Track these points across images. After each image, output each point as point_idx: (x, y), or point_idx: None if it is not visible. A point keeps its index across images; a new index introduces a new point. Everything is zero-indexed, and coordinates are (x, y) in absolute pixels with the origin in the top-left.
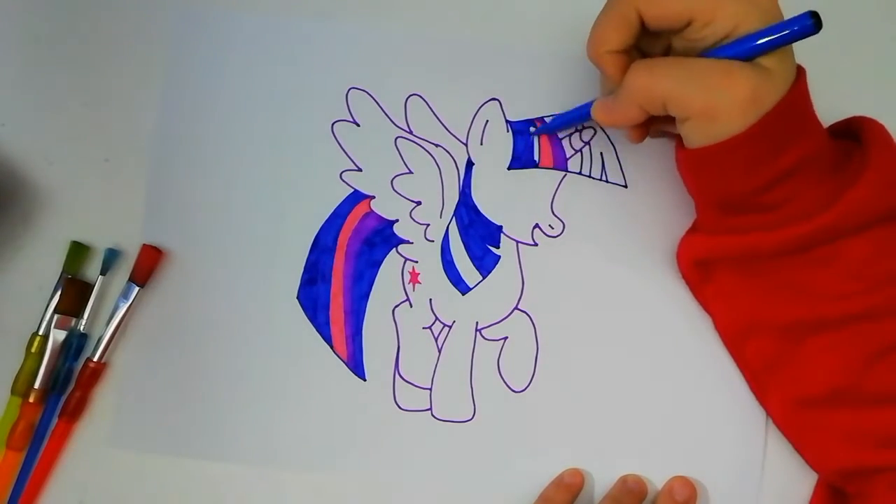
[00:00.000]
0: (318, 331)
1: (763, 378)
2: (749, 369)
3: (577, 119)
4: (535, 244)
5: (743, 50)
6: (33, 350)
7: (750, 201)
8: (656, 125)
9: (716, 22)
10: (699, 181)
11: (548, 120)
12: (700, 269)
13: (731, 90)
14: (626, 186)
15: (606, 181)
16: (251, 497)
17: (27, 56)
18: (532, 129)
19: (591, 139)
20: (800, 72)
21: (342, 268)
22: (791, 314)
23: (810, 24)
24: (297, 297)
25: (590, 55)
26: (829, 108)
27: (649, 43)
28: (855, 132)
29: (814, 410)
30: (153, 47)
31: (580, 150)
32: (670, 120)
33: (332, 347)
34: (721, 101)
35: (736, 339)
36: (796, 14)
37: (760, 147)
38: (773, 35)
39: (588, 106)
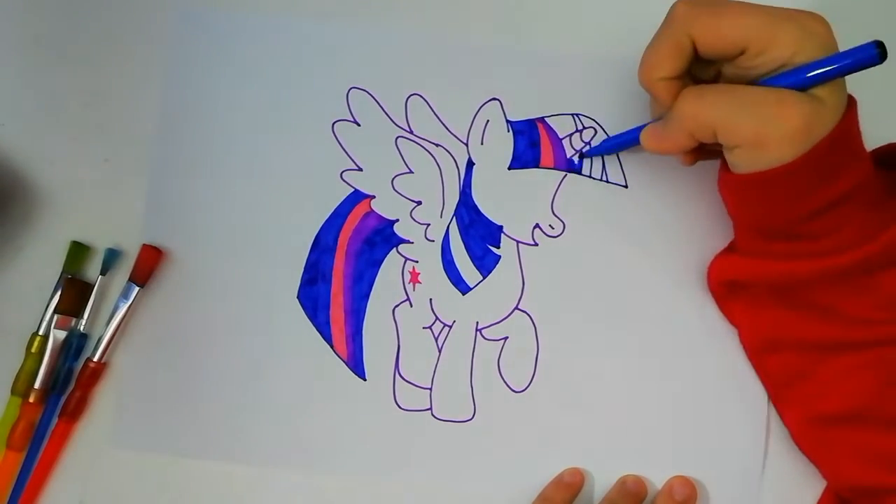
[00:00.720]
0: (318, 330)
1: (783, 391)
2: (770, 381)
3: (626, 143)
4: (536, 244)
5: (799, 80)
6: (33, 350)
7: (793, 229)
8: (707, 150)
9: (770, 51)
10: (742, 206)
11: (591, 142)
12: (728, 285)
13: (783, 120)
14: (626, 187)
15: (607, 181)
16: (251, 497)
17: (27, 56)
18: (581, 152)
19: (592, 139)
20: (851, 102)
21: (342, 267)
22: (817, 334)
23: (874, 54)
24: (298, 297)
25: (641, 81)
26: (874, 133)
27: (700, 68)
28: None
29: (831, 428)
30: (153, 47)
31: (581, 151)
32: (720, 145)
33: (332, 347)
34: (772, 131)
35: (759, 352)
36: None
37: (808, 177)
38: (832, 65)
39: (637, 131)
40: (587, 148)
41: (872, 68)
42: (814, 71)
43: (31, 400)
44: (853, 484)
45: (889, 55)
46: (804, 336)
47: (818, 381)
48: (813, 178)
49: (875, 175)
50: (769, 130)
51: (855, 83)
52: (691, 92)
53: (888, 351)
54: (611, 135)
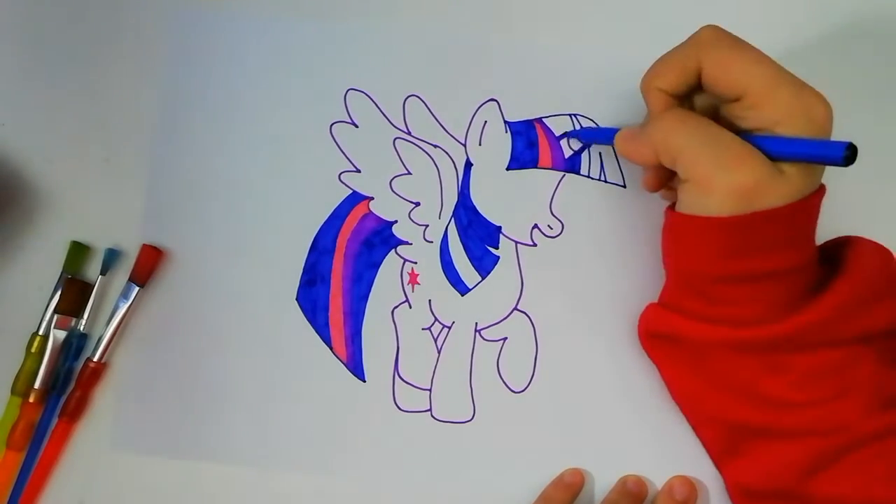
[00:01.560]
0: (317, 332)
1: (717, 461)
2: (706, 449)
3: (603, 138)
4: (534, 244)
5: (764, 147)
6: (33, 350)
7: (710, 288)
8: (671, 185)
9: (763, 109)
10: (673, 247)
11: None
12: (655, 341)
13: (736, 173)
14: (624, 186)
15: (605, 181)
16: (251, 498)
17: (27, 56)
18: (567, 133)
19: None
20: (818, 190)
21: (341, 269)
22: (739, 415)
23: (841, 156)
24: (297, 299)
25: (641, 85)
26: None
27: (701, 99)
28: (841, 254)
29: (760, 501)
30: (153, 47)
31: (579, 151)
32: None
33: (331, 349)
34: (721, 178)
35: (690, 420)
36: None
37: (739, 239)
38: (797, 148)
39: (613, 131)
40: (580, 144)
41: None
42: (779, 145)
43: (31, 400)
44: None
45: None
46: (728, 415)
47: (744, 460)
48: (742, 243)
49: (813, 267)
50: (719, 177)
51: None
52: (676, 112)
53: (810, 440)
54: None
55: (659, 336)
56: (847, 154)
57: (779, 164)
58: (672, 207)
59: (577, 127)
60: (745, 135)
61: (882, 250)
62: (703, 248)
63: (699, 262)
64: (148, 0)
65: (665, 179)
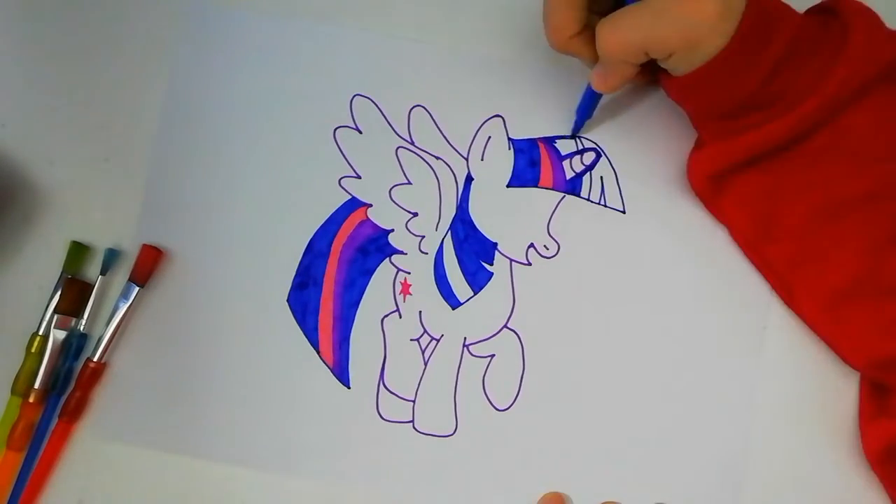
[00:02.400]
0: (305, 335)
1: (788, 279)
2: (773, 273)
3: (591, 101)
4: (529, 263)
5: None
6: (33, 350)
7: (748, 103)
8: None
9: None
10: (695, 101)
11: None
12: (713, 182)
13: (702, 14)
14: (623, 212)
15: (605, 206)
16: (250, 497)
17: (27, 56)
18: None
19: (593, 162)
20: None
21: (334, 274)
22: (804, 208)
23: None
24: (287, 301)
25: (555, 47)
26: None
27: (600, 4)
28: (831, 7)
29: (840, 304)
30: (155, 47)
31: (581, 174)
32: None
33: (318, 353)
34: (696, 28)
35: (756, 245)
36: None
37: (745, 53)
38: None
39: (588, 89)
40: (583, 167)
41: None
42: None
43: (31, 400)
44: (873, 357)
45: None
46: (794, 214)
47: (817, 259)
48: (750, 52)
49: (808, 25)
50: (694, 28)
51: None
52: (605, 26)
53: (874, 208)
54: (611, 158)
55: (716, 174)
56: None
57: None
58: (666, 75)
59: (581, 148)
60: None
61: None
62: (724, 83)
63: (727, 95)
64: (148, 0)
65: (647, 71)
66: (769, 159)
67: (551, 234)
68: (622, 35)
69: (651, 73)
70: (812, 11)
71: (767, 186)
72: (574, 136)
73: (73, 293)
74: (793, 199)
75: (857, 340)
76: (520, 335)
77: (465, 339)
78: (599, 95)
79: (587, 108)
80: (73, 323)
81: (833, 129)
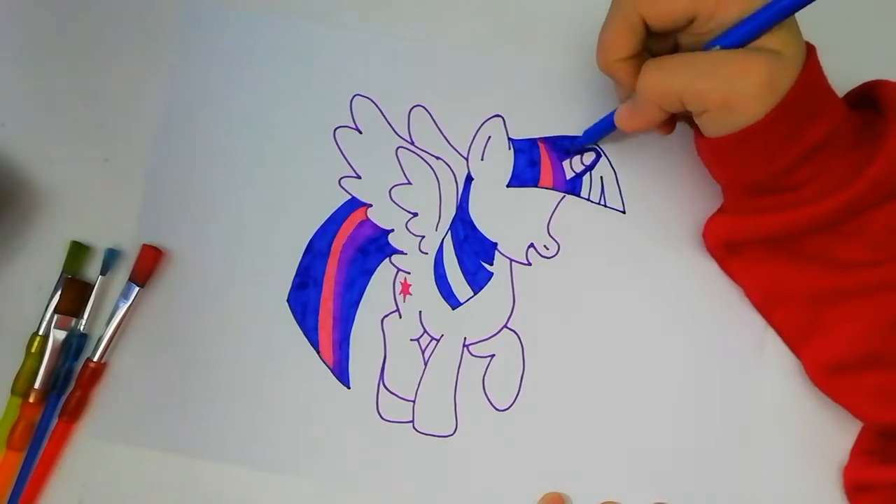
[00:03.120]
0: (305, 335)
1: (794, 343)
2: (781, 333)
3: (604, 129)
4: (529, 263)
5: (749, 29)
6: (33, 350)
7: (776, 182)
8: (680, 116)
9: (719, 14)
10: (722, 167)
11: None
12: (727, 247)
13: (747, 78)
14: (624, 212)
15: (605, 206)
16: (249, 497)
17: (27, 56)
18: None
19: (593, 162)
20: (810, 50)
21: (334, 274)
22: (815, 284)
23: None
24: (288, 301)
25: (600, 66)
26: (844, 76)
27: (657, 43)
28: (874, 98)
29: (845, 373)
30: (155, 46)
31: (580, 174)
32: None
33: (318, 353)
34: (738, 91)
35: (765, 307)
36: None
37: (781, 131)
38: (776, 8)
39: (611, 116)
40: (583, 167)
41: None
42: (763, 16)
43: (31, 400)
44: (878, 421)
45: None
46: (804, 288)
47: (824, 331)
48: (785, 131)
49: (850, 117)
50: (734, 91)
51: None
52: (651, 66)
53: (886, 295)
54: (611, 158)
55: (729, 242)
56: None
57: (767, 47)
58: (699, 134)
59: (580, 150)
60: (719, 41)
61: None
62: (755, 155)
63: (756, 168)
64: (149, 0)
65: (674, 121)
66: (785, 240)
67: (551, 234)
68: (665, 77)
69: (672, 128)
70: (854, 95)
71: (779, 262)
72: (574, 151)
73: (73, 293)
74: (803, 278)
75: (860, 407)
76: (520, 335)
77: (464, 339)
78: (614, 129)
79: (597, 134)
80: (73, 323)
81: (853, 224)
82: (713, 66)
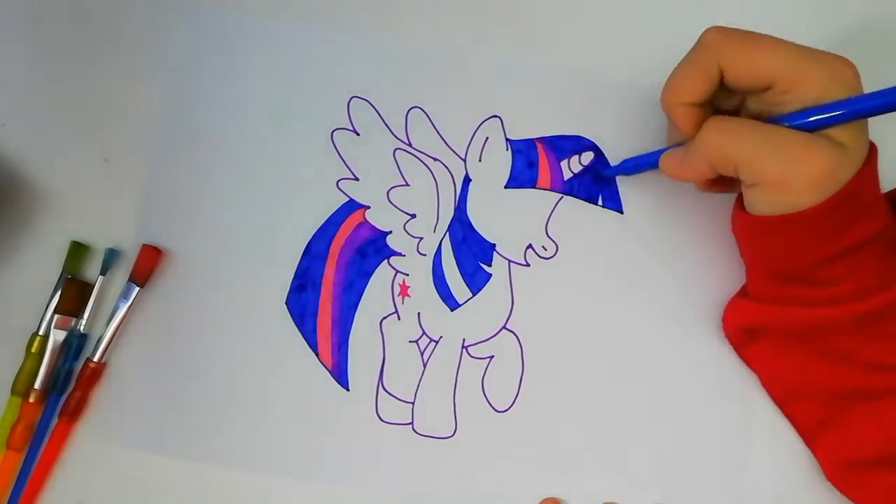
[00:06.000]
0: (304, 338)
1: (811, 436)
2: (797, 426)
3: (645, 167)
4: (527, 264)
5: (826, 119)
6: (33, 350)
7: (808, 274)
8: (724, 180)
9: (797, 90)
10: (757, 248)
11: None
12: (745, 332)
13: (810, 165)
14: (622, 213)
15: (603, 206)
16: (249, 498)
17: (27, 56)
18: (602, 172)
19: (591, 163)
20: (872, 149)
21: (332, 276)
22: (837, 382)
23: None
24: (286, 303)
25: (664, 104)
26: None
27: (723, 97)
28: None
29: (860, 471)
30: (155, 47)
31: (579, 174)
32: (738, 180)
33: (317, 355)
34: (797, 174)
35: (782, 399)
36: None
37: (828, 223)
38: (857, 105)
39: (657, 154)
40: (581, 167)
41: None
42: (838, 109)
43: (31, 400)
44: None
45: None
46: (825, 384)
47: (843, 429)
48: (833, 224)
49: (893, 221)
50: (794, 173)
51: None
52: (717, 122)
53: None
54: (608, 158)
55: (750, 329)
56: None
57: (835, 138)
58: (740, 208)
59: (580, 146)
60: (790, 117)
61: None
62: (795, 242)
63: (793, 255)
64: (150, 1)
65: (716, 182)
66: (810, 333)
67: (549, 234)
68: (728, 139)
69: (711, 189)
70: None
71: (803, 356)
72: (602, 175)
73: (73, 293)
74: (826, 375)
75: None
76: (519, 336)
77: (463, 340)
78: (654, 168)
79: (634, 169)
80: (73, 323)
81: (885, 326)
82: (779, 142)
